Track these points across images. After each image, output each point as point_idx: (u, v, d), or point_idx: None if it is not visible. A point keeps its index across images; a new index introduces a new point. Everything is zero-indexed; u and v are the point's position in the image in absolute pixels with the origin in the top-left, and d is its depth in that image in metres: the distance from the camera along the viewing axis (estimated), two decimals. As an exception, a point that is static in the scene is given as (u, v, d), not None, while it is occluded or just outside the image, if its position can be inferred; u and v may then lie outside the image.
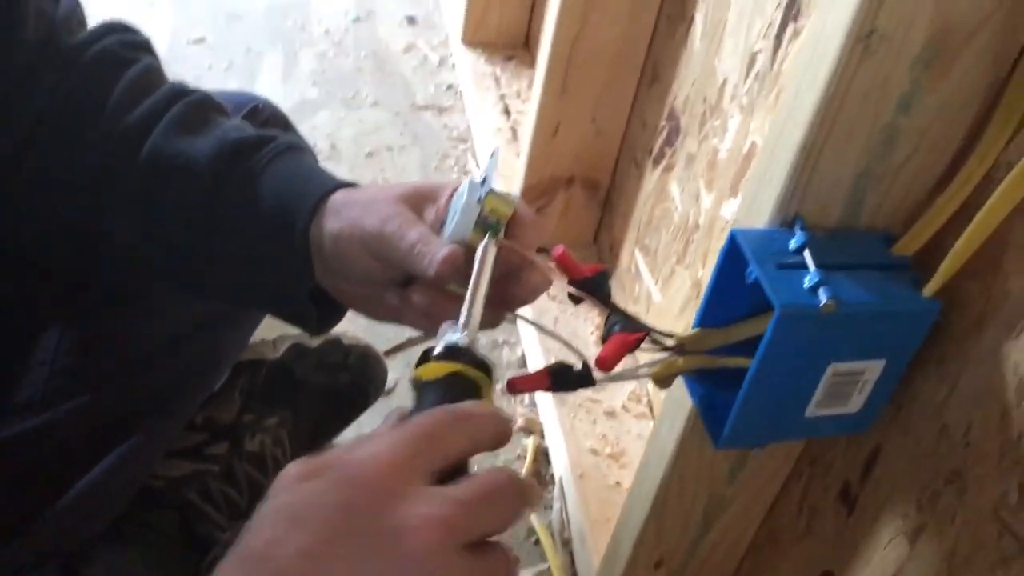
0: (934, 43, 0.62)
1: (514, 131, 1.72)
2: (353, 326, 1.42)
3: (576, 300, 0.77)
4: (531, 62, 1.90)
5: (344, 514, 0.44)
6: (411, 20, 2.08)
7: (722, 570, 1.01)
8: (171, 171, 0.71)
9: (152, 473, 0.99)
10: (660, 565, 0.98)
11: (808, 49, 0.66)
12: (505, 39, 1.91)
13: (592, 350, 0.83)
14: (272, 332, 1.16)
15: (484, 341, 1.43)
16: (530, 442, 1.28)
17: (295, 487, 0.45)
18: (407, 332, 1.41)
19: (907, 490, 0.76)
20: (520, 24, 1.91)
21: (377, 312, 0.72)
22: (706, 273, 1.12)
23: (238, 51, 1.90)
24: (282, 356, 1.12)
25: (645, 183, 1.31)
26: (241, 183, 0.71)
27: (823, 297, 0.65)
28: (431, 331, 0.69)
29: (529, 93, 1.82)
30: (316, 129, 1.74)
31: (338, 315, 0.77)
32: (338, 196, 0.69)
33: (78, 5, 0.77)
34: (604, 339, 0.72)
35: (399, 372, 1.33)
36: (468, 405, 0.51)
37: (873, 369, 0.71)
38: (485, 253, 0.65)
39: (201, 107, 0.75)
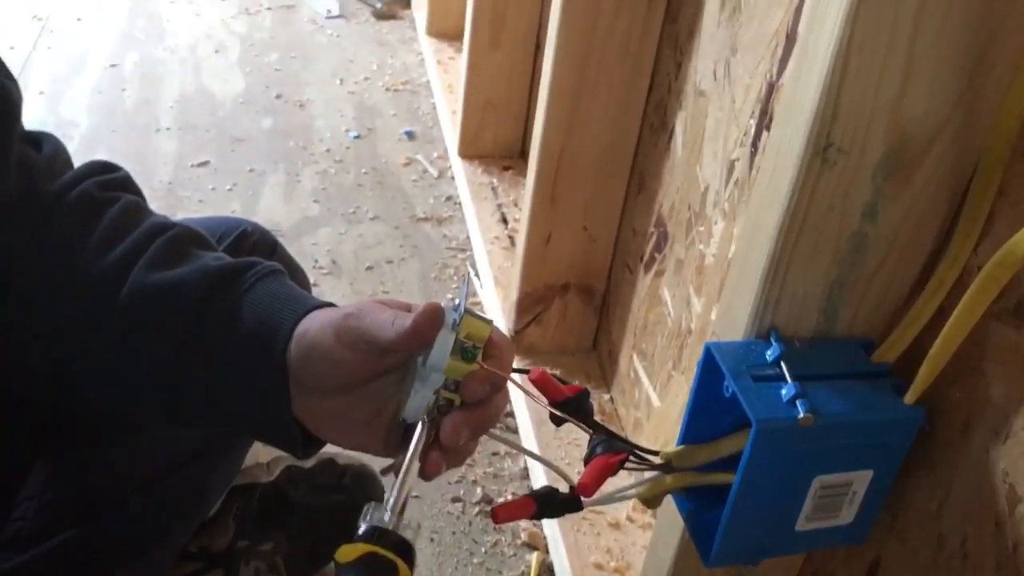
0: (893, 153, 0.63)
1: (511, 239, 1.74)
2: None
3: (558, 422, 0.76)
4: (527, 172, 1.93)
5: None
6: (410, 135, 2.13)
7: None
8: (152, 305, 0.72)
9: (145, 606, 0.97)
10: None
11: (770, 162, 0.67)
12: (501, 150, 1.95)
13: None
14: (266, 455, 1.15)
15: (483, 451, 1.42)
16: (534, 558, 1.25)
17: None
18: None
19: (910, 604, 0.73)
20: (515, 135, 1.95)
21: (346, 435, 0.71)
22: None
23: (241, 172, 1.95)
24: (276, 479, 1.11)
25: (638, 288, 1.31)
26: (222, 311, 0.72)
27: (801, 410, 0.64)
28: (395, 457, 0.69)
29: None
30: (317, 245, 1.76)
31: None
32: (313, 313, 0.70)
33: (61, 147, 0.78)
34: (586, 461, 0.72)
35: (399, 489, 1.31)
36: None
37: (861, 479, 0.69)
38: (420, 434, 0.66)
39: (181, 241, 0.76)
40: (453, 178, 1.99)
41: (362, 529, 0.57)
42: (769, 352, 0.68)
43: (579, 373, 1.47)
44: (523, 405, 1.40)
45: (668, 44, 1.21)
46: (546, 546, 1.26)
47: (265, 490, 1.09)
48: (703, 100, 1.11)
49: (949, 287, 0.67)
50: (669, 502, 0.84)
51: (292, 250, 1.04)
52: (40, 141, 0.76)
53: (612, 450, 0.70)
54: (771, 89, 0.94)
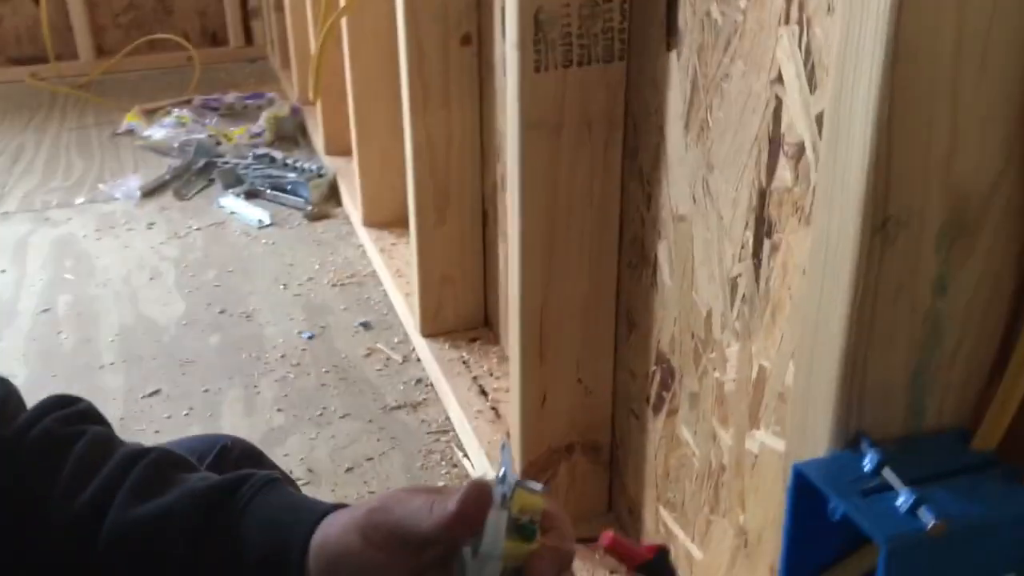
0: (954, 215, 0.58)
1: (495, 410, 1.65)
2: None
3: None
4: (495, 339, 1.87)
5: None
6: (366, 326, 2.06)
7: None
8: (137, 544, 0.63)
9: None
10: None
11: (819, 252, 0.61)
12: (464, 323, 1.89)
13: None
14: None
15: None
16: None
17: None
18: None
19: None
20: (476, 306, 1.89)
21: None
22: (748, 518, 1.02)
23: (195, 394, 1.84)
24: None
25: (651, 433, 1.23)
26: (222, 536, 0.63)
27: (927, 519, 0.55)
28: None
29: (501, 369, 1.77)
30: (289, 456, 1.64)
31: None
32: (328, 518, 0.61)
33: (12, 389, 0.70)
34: None
35: None
36: None
37: (1003, 589, 0.60)
38: None
39: (161, 466, 0.68)
40: (419, 360, 1.91)
41: None
42: (866, 461, 0.61)
43: (600, 539, 1.35)
44: None
45: (632, 179, 1.18)
46: None
47: None
48: (685, 224, 1.07)
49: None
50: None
51: (266, 463, 0.95)
52: None
53: None
54: (763, 195, 0.91)
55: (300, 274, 2.30)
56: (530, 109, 1.13)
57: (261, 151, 2.95)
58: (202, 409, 1.80)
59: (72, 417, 0.70)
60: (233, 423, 1.74)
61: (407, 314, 1.99)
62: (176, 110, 3.37)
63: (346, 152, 2.71)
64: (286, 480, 0.73)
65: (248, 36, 4.33)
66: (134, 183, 2.83)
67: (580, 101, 1.14)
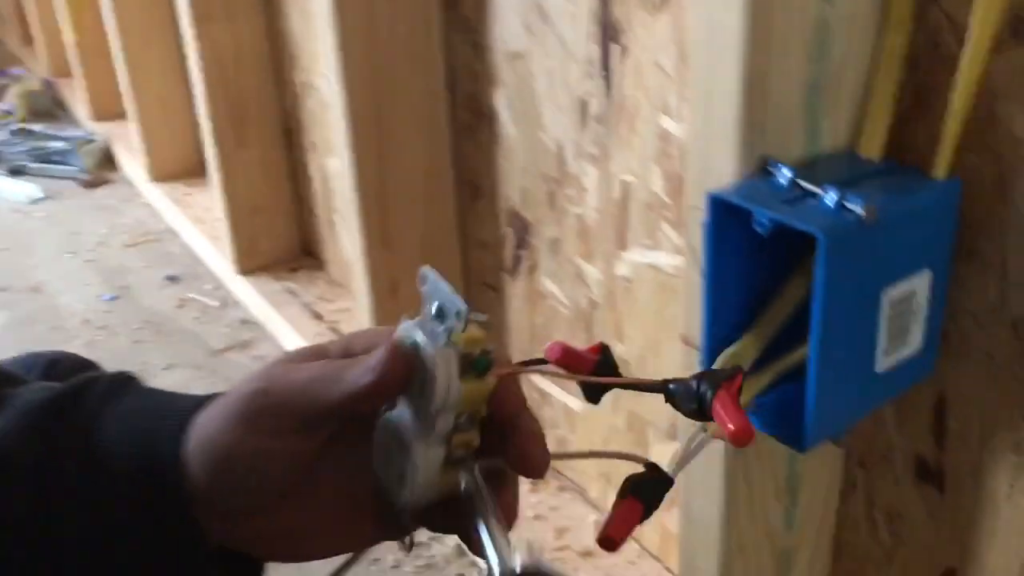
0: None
1: (334, 330, 1.56)
2: (271, 568, 1.16)
3: (596, 398, 0.62)
4: (319, 266, 1.77)
5: None
6: (173, 279, 1.90)
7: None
8: None
9: None
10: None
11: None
12: (283, 255, 1.78)
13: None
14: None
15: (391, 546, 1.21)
16: (515, 628, 1.05)
17: None
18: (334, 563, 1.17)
19: (1002, 415, 0.65)
20: (293, 235, 1.79)
21: (314, 547, 0.51)
22: (627, 348, 1.00)
23: (-11, 375, 1.63)
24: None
25: (510, 300, 1.19)
26: (71, 457, 0.49)
27: (858, 207, 0.54)
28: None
29: (332, 292, 1.68)
30: (113, 417, 1.49)
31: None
32: (201, 416, 0.50)
33: None
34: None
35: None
36: None
37: (922, 285, 0.60)
38: (486, 523, 0.50)
39: None
40: (239, 302, 1.78)
41: None
42: (779, 178, 0.59)
43: (470, 427, 1.31)
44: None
45: (456, 30, 1.13)
46: (522, 611, 1.07)
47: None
48: (521, 61, 1.03)
49: (902, 56, 0.61)
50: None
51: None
52: None
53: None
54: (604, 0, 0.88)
55: (88, 241, 2.10)
56: (338, -34, 1.06)
57: (15, 127, 2.66)
58: None
59: None
60: (39, 396, 1.56)
61: (218, 258, 1.85)
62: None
63: (116, 116, 2.51)
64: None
65: (-25, 19, 3.90)
66: None
67: (390, -47, 1.08)
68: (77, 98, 2.72)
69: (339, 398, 0.45)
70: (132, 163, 2.33)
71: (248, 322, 1.73)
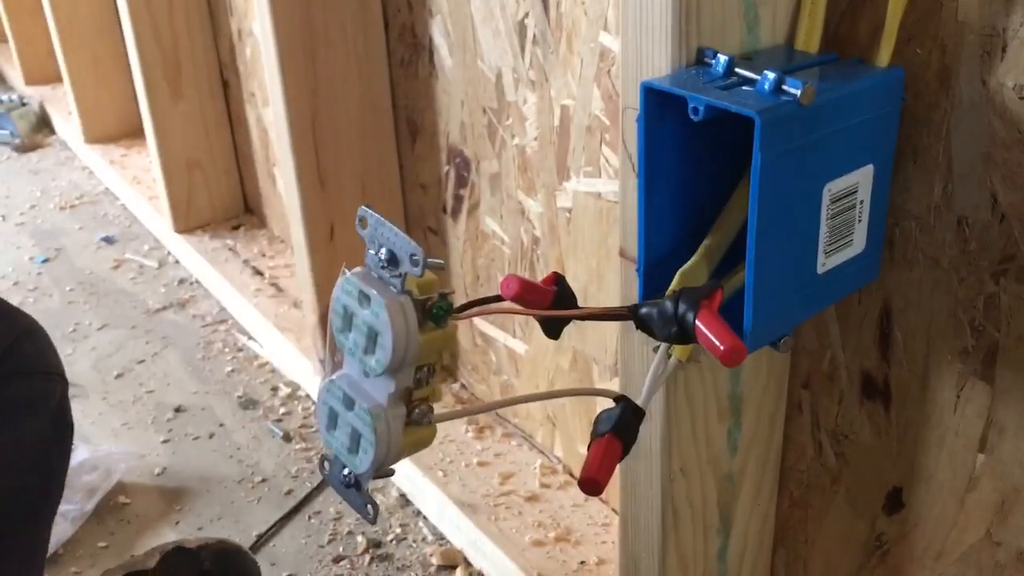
0: None
1: (275, 285, 1.51)
2: (205, 518, 1.12)
3: (557, 333, 0.59)
4: (262, 222, 1.72)
5: None
6: (109, 240, 1.83)
7: (758, 571, 0.82)
8: None
9: None
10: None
11: None
12: (223, 212, 1.73)
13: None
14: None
15: (336, 497, 1.17)
16: (459, 575, 1.02)
17: None
18: (272, 518, 1.14)
19: (947, 322, 0.62)
20: (233, 191, 1.73)
21: None
22: (571, 280, 0.96)
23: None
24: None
25: (452, 242, 1.15)
26: None
27: (796, 88, 0.51)
28: None
29: (273, 249, 1.63)
30: (44, 378, 1.43)
31: None
32: None
33: None
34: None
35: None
36: None
37: (864, 180, 0.58)
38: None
39: None
40: (178, 262, 1.73)
41: None
42: (716, 68, 0.56)
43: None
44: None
45: (391, -38, 1.09)
46: (464, 557, 1.04)
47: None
48: (458, -12, 0.99)
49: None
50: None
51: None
52: None
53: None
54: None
55: (19, 204, 2.02)
56: None
57: (-57, 92, 2.56)
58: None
59: None
60: (-34, 359, 1.49)
61: (155, 218, 1.79)
62: None
63: (50, 79, 2.42)
64: None
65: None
66: None
67: None
68: (9, 62, 2.63)
69: None
70: (67, 126, 2.25)
71: (186, 281, 1.67)
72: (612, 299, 0.90)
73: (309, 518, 1.13)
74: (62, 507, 0.98)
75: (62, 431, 0.84)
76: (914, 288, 0.64)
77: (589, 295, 0.94)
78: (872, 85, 0.55)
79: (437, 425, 0.51)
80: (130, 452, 1.23)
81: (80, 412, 1.34)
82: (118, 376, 1.42)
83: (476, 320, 1.16)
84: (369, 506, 0.51)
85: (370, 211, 0.48)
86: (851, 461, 0.73)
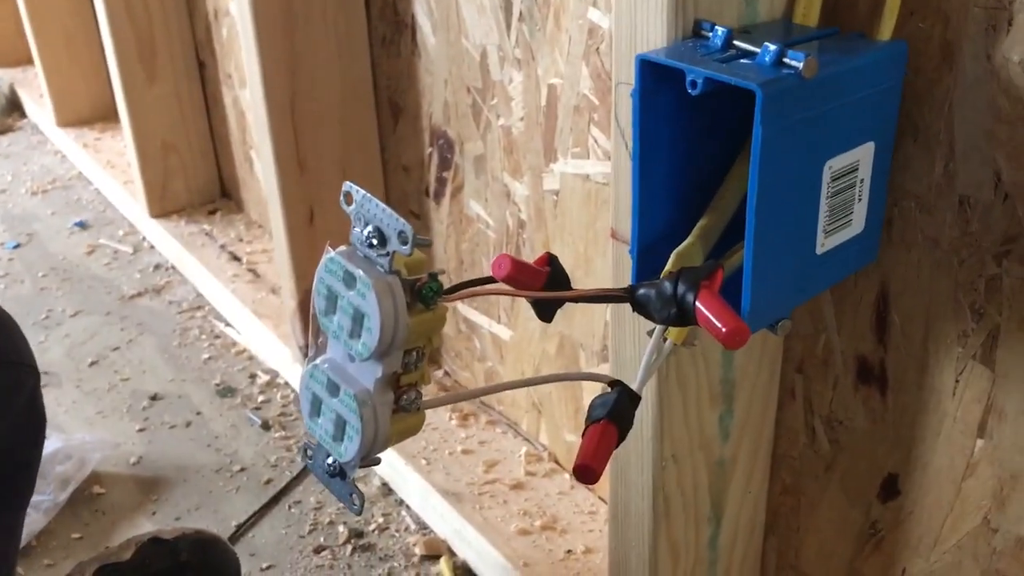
0: None
1: (253, 271, 1.48)
2: (183, 508, 1.09)
3: (550, 315, 0.57)
4: (239, 207, 1.68)
5: None
6: (82, 225, 1.79)
7: (748, 559, 0.81)
8: None
9: None
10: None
11: None
12: (199, 196, 1.69)
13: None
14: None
15: (316, 486, 1.15)
16: (443, 565, 1.00)
17: None
18: (251, 508, 1.12)
19: (947, 305, 0.61)
20: (209, 175, 1.70)
21: None
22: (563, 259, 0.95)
23: None
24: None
25: (436, 226, 1.13)
26: None
27: (798, 61, 0.49)
28: None
29: (251, 234, 1.60)
30: (15, 366, 1.39)
31: None
32: None
33: None
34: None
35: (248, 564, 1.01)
36: None
37: (865, 158, 0.56)
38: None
39: None
40: (153, 247, 1.69)
41: None
42: (714, 40, 0.54)
43: (396, 364, 1.25)
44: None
45: (372, -62, 1.06)
46: (448, 547, 1.02)
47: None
48: (441, -36, 0.96)
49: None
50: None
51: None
52: None
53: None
54: None
55: (-11, 189, 1.97)
56: None
57: (-87, 74, 2.50)
58: None
59: None
60: (-66, 346, 1.45)
61: (130, 203, 1.75)
62: None
63: (21, 61, 2.37)
64: None
65: None
66: None
67: None
68: (-20, 44, 2.57)
69: None
70: (39, 109, 2.20)
71: (162, 267, 1.64)
72: (600, 284, 0.88)
73: (289, 507, 1.11)
74: (34, 498, 0.95)
75: (34, 423, 0.82)
76: (913, 270, 0.62)
77: (577, 280, 0.92)
78: (874, 59, 0.54)
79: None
80: (105, 441, 1.20)
81: (53, 400, 1.30)
82: (92, 364, 1.39)
83: (460, 305, 1.14)
84: (354, 496, 0.49)
85: (355, 186, 0.46)
86: (845, 447, 0.71)
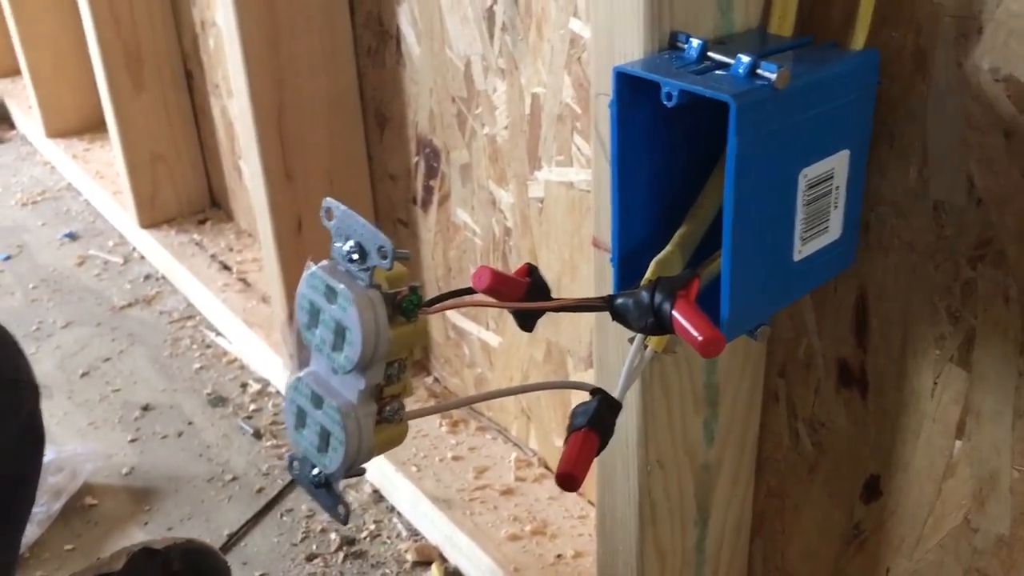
0: None
1: (243, 280, 1.49)
2: (175, 518, 1.10)
3: (531, 325, 0.57)
4: (228, 217, 1.69)
5: None
6: (72, 236, 1.80)
7: (735, 561, 0.81)
8: None
9: None
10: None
11: None
12: (188, 206, 1.70)
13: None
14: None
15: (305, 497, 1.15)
16: (434, 571, 1.01)
17: None
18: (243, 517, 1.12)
19: (924, 309, 0.62)
20: (198, 184, 1.70)
21: None
22: (544, 271, 0.95)
23: None
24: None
25: (424, 235, 1.13)
26: None
27: (771, 72, 0.50)
28: None
29: (241, 243, 1.61)
30: (6, 378, 1.39)
31: None
32: None
33: None
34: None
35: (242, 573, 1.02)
36: None
37: (840, 166, 0.57)
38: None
39: None
40: (143, 258, 1.70)
41: None
42: (689, 52, 0.54)
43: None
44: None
45: (356, -51, 1.07)
46: (440, 553, 1.03)
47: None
48: (425, -25, 0.97)
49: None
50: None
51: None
52: None
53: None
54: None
55: (-21, 200, 1.98)
56: None
57: (-99, 86, 2.49)
58: None
59: None
60: (-75, 360, 1.45)
61: (119, 213, 1.76)
62: None
63: (9, 72, 2.37)
64: None
65: None
66: None
67: None
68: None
69: None
70: (27, 120, 2.20)
71: (152, 277, 1.64)
72: (586, 290, 0.89)
73: (281, 516, 1.11)
74: (26, 510, 0.96)
75: (33, 441, 0.82)
76: (890, 274, 0.63)
77: (563, 286, 0.93)
78: (847, 68, 0.55)
79: (409, 421, 0.50)
80: (97, 452, 1.20)
81: (45, 412, 1.29)
82: (84, 375, 1.39)
83: (449, 313, 1.14)
84: (340, 506, 0.49)
85: (336, 202, 0.46)
86: (828, 450, 0.72)
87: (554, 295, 0.59)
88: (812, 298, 0.68)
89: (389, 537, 1.07)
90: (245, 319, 1.38)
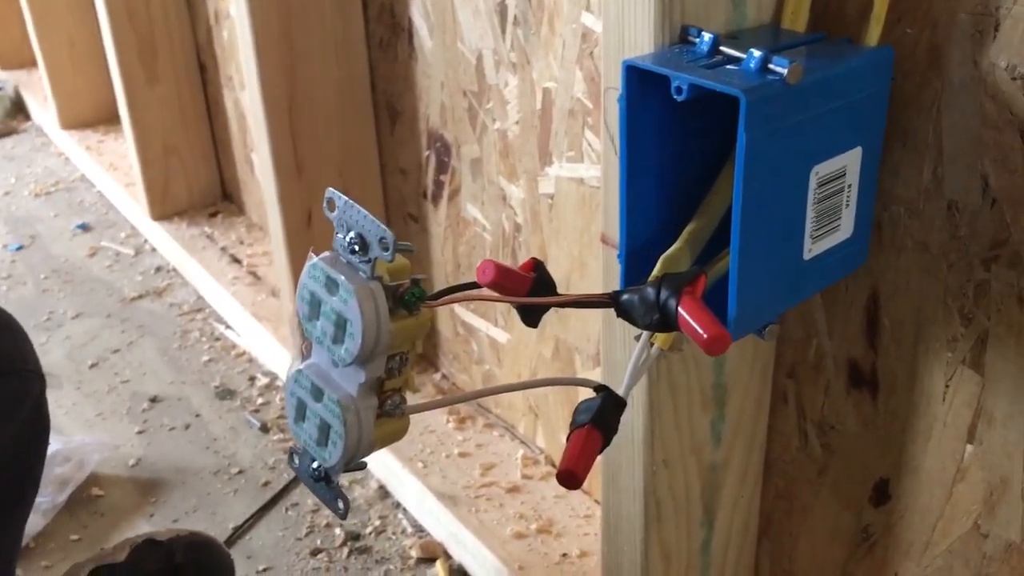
0: None
1: (253, 273, 1.49)
2: (180, 510, 1.10)
3: (535, 320, 0.57)
4: (240, 211, 1.69)
5: None
6: (85, 227, 1.80)
7: (742, 563, 0.80)
8: None
9: None
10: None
11: None
12: (200, 198, 1.70)
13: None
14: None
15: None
16: (439, 568, 1.01)
17: None
18: (249, 510, 1.12)
19: (936, 310, 0.61)
20: (211, 177, 1.70)
21: None
22: (553, 269, 0.95)
23: None
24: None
25: (433, 229, 1.13)
26: None
27: (782, 67, 0.49)
28: None
29: (251, 237, 1.60)
30: (16, 367, 1.40)
31: None
32: None
33: None
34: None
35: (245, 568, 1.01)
36: None
37: (852, 163, 0.56)
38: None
39: None
40: (155, 250, 1.70)
41: None
42: (700, 47, 0.54)
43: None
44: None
45: (369, -58, 1.06)
46: (444, 550, 1.03)
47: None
48: (437, -32, 0.96)
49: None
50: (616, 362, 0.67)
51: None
52: None
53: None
54: None
55: (-7, 191, 1.98)
56: None
57: (-82, 77, 2.51)
58: None
59: None
60: (-63, 348, 1.46)
61: (132, 205, 1.76)
62: None
63: (25, 63, 2.38)
64: None
65: None
66: None
67: None
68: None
69: None
70: (43, 112, 2.21)
71: (163, 269, 1.64)
72: (595, 287, 0.88)
73: (286, 510, 1.11)
74: (32, 500, 0.96)
75: (38, 431, 0.82)
76: (903, 275, 0.62)
77: (572, 283, 0.92)
78: (861, 65, 0.54)
79: (413, 416, 0.49)
80: (104, 443, 1.20)
81: (53, 402, 1.30)
82: (92, 366, 1.40)
83: (457, 309, 1.14)
84: (339, 501, 0.49)
85: (338, 193, 0.46)
86: (837, 452, 0.71)
87: (563, 292, 0.58)
88: (822, 297, 0.67)
89: (394, 533, 1.06)
90: (254, 312, 1.38)
